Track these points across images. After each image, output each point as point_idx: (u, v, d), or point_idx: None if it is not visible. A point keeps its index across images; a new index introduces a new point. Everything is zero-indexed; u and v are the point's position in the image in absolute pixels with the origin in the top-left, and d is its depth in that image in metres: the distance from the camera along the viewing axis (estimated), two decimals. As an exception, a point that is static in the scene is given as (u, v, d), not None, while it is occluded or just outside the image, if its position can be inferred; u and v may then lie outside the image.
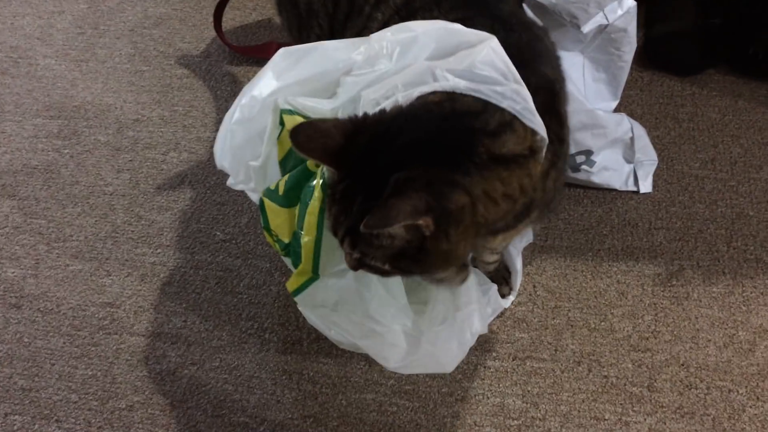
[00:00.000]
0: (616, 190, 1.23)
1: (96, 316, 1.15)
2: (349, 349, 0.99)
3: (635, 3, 1.00)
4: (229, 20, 1.65)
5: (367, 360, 1.07)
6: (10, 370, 1.09)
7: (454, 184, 0.70)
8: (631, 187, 1.23)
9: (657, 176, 1.24)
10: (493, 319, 1.08)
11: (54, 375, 1.08)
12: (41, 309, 1.17)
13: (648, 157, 1.22)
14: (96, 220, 1.28)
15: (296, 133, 0.73)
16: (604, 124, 1.11)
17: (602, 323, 1.09)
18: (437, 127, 0.72)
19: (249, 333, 1.12)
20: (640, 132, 1.21)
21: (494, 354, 1.07)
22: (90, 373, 1.08)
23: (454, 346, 0.91)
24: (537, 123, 0.74)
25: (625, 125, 1.16)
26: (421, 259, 0.73)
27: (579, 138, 1.11)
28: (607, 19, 0.99)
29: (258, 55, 1.57)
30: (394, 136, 0.72)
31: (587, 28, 0.99)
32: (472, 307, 0.91)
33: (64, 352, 1.11)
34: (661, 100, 1.36)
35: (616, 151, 1.20)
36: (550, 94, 0.81)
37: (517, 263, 1.06)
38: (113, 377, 1.08)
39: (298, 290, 0.89)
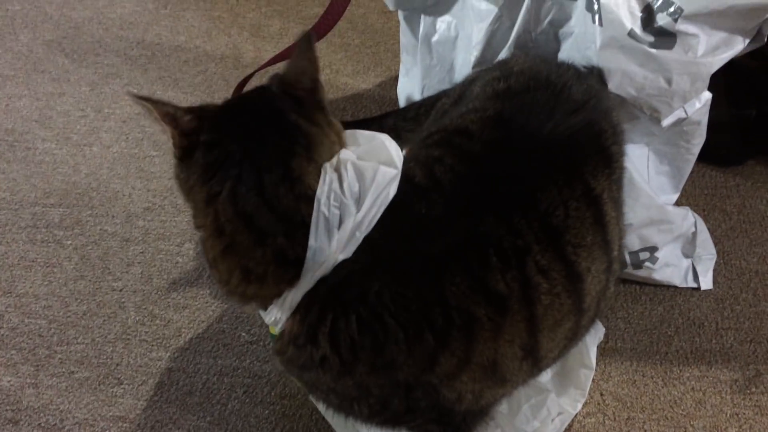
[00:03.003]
0: (675, 286, 1.15)
1: (107, 432, 1.00)
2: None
3: (711, 95, 0.95)
4: (243, 105, 1.58)
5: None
6: (5, 501, 0.93)
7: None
8: (691, 284, 1.15)
9: (715, 272, 1.17)
10: (562, 433, 0.97)
11: (58, 506, 0.93)
12: (42, 424, 1.01)
13: (707, 252, 1.16)
14: (104, 320, 1.15)
15: None
16: (671, 219, 1.05)
17: (683, 437, 0.98)
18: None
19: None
20: (702, 226, 1.15)
21: (568, 475, 0.95)
22: (101, 503, 0.93)
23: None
24: (308, 264, 0.68)
25: (689, 219, 1.10)
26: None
27: (645, 234, 1.04)
28: (686, 112, 0.94)
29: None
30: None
31: (667, 121, 0.93)
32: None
33: (70, 478, 0.95)
34: (705, 192, 1.31)
35: (677, 246, 1.12)
36: None
37: (592, 356, 0.96)
38: (129, 508, 0.92)
39: None
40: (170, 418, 1.02)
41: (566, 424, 0.98)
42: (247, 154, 0.69)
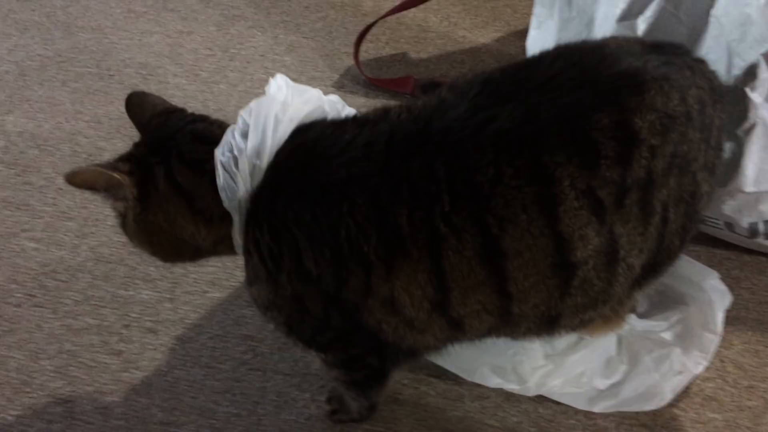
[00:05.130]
0: (804, 261, 1.12)
1: (237, 348, 1.06)
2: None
3: None
4: (362, 52, 1.60)
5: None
6: (148, 401, 1.00)
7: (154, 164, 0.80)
8: (823, 260, 1.12)
9: None
10: (680, 394, 0.97)
11: (195, 410, 0.99)
12: (179, 336, 1.08)
13: (842, 228, 1.11)
14: (233, 246, 1.21)
15: (130, 98, 0.86)
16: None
17: (807, 409, 0.97)
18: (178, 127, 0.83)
19: (403, 383, 1.02)
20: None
21: (685, 434, 0.96)
22: (234, 411, 0.99)
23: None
24: (228, 204, 0.77)
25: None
26: (130, 226, 0.82)
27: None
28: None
29: (394, 89, 1.52)
30: (159, 126, 0.84)
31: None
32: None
33: (205, 386, 1.02)
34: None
35: (813, 218, 1.09)
36: None
37: (718, 321, 0.95)
38: (259, 418, 0.98)
39: None
40: (296, 342, 1.07)
41: (684, 384, 0.98)
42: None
